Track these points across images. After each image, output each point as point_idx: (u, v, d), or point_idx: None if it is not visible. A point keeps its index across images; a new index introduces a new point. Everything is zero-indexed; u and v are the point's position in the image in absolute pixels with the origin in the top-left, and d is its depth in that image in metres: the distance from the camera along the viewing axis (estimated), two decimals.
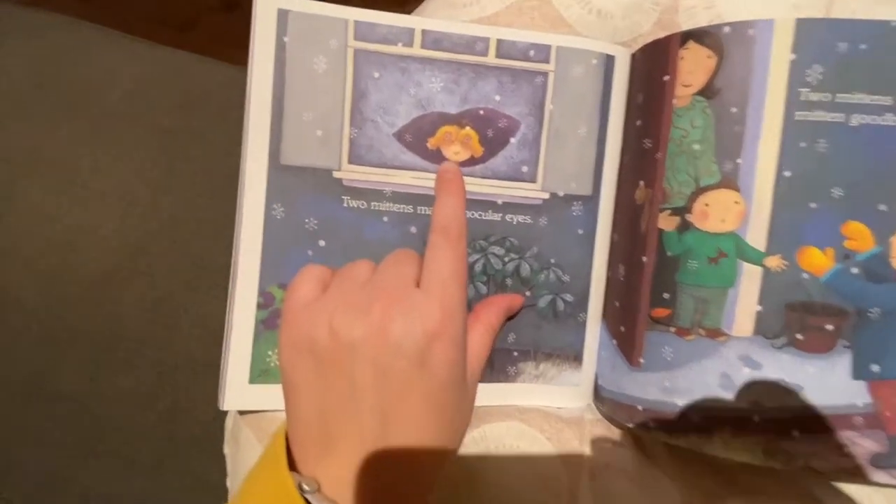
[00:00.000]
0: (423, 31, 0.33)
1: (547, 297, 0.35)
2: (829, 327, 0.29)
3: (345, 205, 0.33)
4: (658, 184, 0.32)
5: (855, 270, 0.29)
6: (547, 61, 0.34)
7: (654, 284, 0.32)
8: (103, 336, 0.40)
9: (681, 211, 0.31)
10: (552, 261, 0.35)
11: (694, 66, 0.31)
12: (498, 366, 0.35)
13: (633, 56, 0.35)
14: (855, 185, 0.29)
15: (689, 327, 0.31)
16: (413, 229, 0.33)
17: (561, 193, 0.34)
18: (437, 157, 0.33)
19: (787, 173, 0.29)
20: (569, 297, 0.35)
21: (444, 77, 0.33)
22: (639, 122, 0.34)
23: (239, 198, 0.32)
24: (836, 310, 0.29)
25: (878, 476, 0.28)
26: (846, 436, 0.29)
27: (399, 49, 0.33)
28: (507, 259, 0.34)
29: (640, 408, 0.32)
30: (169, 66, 0.45)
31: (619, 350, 0.34)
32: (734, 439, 0.29)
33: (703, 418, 0.30)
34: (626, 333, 0.33)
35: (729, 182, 0.30)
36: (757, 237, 0.30)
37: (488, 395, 0.34)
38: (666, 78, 0.32)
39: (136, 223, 0.40)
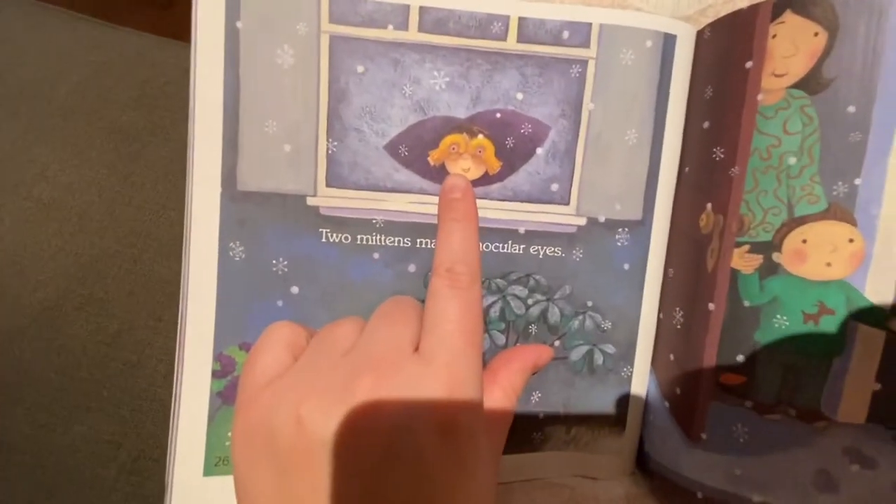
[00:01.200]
0: (422, 9, 0.24)
1: (581, 348, 0.27)
2: None
3: (323, 240, 0.25)
4: (733, 209, 0.24)
5: None
6: (586, 45, 0.25)
7: (723, 341, 0.24)
8: (54, 375, 0.34)
9: (766, 248, 0.23)
10: (589, 303, 0.27)
11: (792, 48, 0.22)
12: (520, 431, 0.28)
13: (700, 34, 0.26)
14: None
15: (774, 404, 0.23)
16: (412, 268, 0.25)
17: (602, 219, 0.26)
18: (440, 174, 0.25)
19: None
20: (610, 349, 0.27)
21: (450, 70, 0.24)
22: (706, 125, 0.25)
23: (185, 234, 0.24)
24: None
25: None
26: None
27: (390, 33, 0.24)
28: (531, 302, 0.27)
29: (699, 495, 0.25)
30: (127, 51, 0.38)
31: (672, 417, 0.26)
32: None
33: None
34: (682, 398, 0.26)
35: (840, 212, 0.22)
36: (880, 289, 0.22)
37: (507, 468, 0.27)
38: (748, 64, 0.23)
39: (90, 240, 0.34)
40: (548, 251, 0.26)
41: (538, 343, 0.27)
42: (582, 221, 0.26)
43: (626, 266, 0.27)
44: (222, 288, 0.24)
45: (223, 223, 0.24)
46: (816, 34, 0.22)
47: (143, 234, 0.34)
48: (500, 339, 0.27)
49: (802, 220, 0.23)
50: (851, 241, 0.22)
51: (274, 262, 0.25)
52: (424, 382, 0.18)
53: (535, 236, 0.26)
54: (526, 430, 0.27)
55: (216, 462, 0.24)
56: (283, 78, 0.24)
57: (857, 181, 0.22)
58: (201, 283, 0.24)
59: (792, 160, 0.23)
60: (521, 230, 0.26)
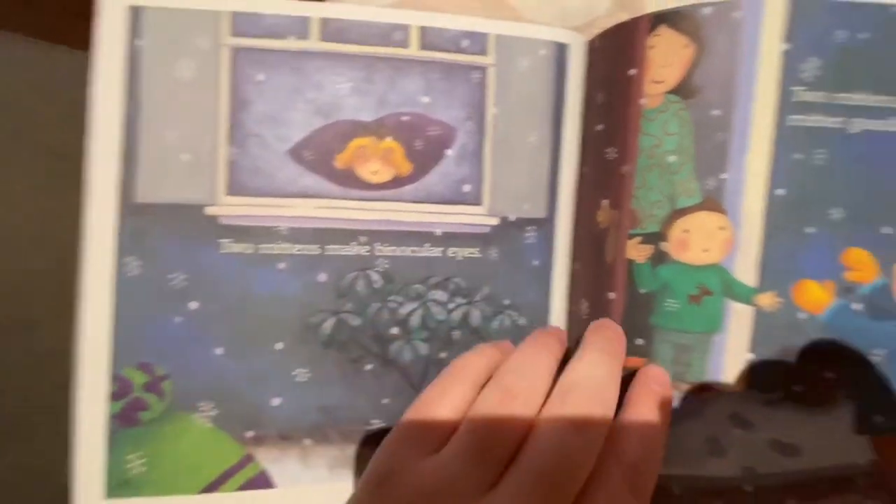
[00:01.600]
0: (323, 20, 0.24)
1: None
2: (830, 375, 0.24)
3: (223, 251, 0.23)
4: (626, 204, 0.25)
5: (857, 306, 0.23)
6: (484, 53, 0.26)
7: (623, 327, 0.25)
8: None
9: (654, 238, 0.25)
10: (506, 302, 0.26)
11: (667, 58, 0.24)
12: None
13: (591, 44, 0.27)
14: (856, 204, 0.23)
15: (670, 381, 0.24)
16: (322, 277, 0.24)
17: (512, 218, 0.26)
18: (348, 178, 0.24)
19: (779, 192, 0.23)
20: None
21: (354, 75, 0.24)
22: (599, 127, 0.26)
23: (80, 251, 0.22)
24: (837, 354, 0.23)
25: None
26: (849, 499, 0.23)
27: (291, 43, 0.24)
28: (451, 306, 0.26)
29: None
30: (58, 69, 0.36)
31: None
32: None
33: (687, 490, 0.24)
34: None
35: (712, 203, 0.24)
36: (746, 270, 0.24)
37: None
38: (632, 72, 0.25)
39: (21, 263, 0.31)
40: (465, 253, 0.26)
41: (463, 349, 0.26)
42: (495, 221, 0.26)
43: (536, 263, 0.27)
44: (119, 305, 0.22)
45: (119, 237, 0.22)
46: (686, 46, 0.24)
47: (74, 254, 0.31)
48: (423, 348, 0.26)
49: (683, 212, 0.24)
50: (722, 228, 0.24)
51: (171, 276, 0.23)
52: None
53: (451, 238, 0.26)
54: None
55: (117, 486, 0.22)
56: (183, 90, 0.23)
57: (724, 176, 0.24)
58: (96, 301, 0.22)
59: (672, 158, 0.25)
60: (438, 232, 0.25)
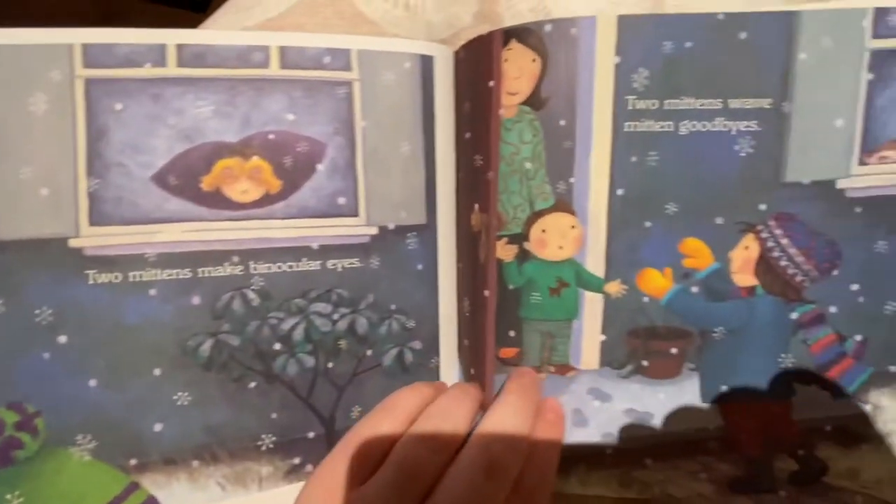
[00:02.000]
0: (179, 46, 0.24)
1: (392, 351, 0.27)
2: (674, 351, 0.27)
3: (90, 282, 0.23)
4: (492, 208, 0.27)
5: (695, 290, 0.26)
6: (348, 69, 0.26)
7: (498, 321, 0.27)
8: None
9: (518, 239, 0.27)
10: (392, 307, 0.27)
11: (519, 71, 0.26)
12: None
13: (457, 55, 0.28)
14: (689, 199, 0.26)
15: (539, 366, 0.27)
16: (196, 300, 0.24)
17: (391, 226, 0.27)
18: (217, 200, 0.24)
19: (620, 192, 0.26)
20: (417, 345, 0.28)
21: (215, 98, 0.24)
22: (468, 136, 0.28)
23: None
24: (679, 332, 0.26)
25: (740, 501, 0.26)
26: (701, 460, 0.26)
27: (146, 71, 0.24)
28: (336, 317, 0.26)
29: None
30: None
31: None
32: (589, 475, 0.26)
33: (560, 458, 0.26)
34: (475, 376, 0.27)
35: (564, 205, 0.26)
36: (596, 262, 0.26)
37: None
38: (491, 83, 0.26)
39: None
40: (346, 264, 0.26)
41: (352, 358, 0.27)
42: (374, 231, 0.27)
43: (420, 267, 0.28)
44: None
45: None
46: (534, 60, 0.26)
47: None
48: (309, 361, 0.26)
49: (540, 214, 0.27)
50: (573, 227, 0.26)
51: (37, 311, 0.22)
52: None
53: (330, 251, 0.26)
54: None
55: None
56: (37, 124, 0.23)
57: (572, 180, 0.26)
58: None
59: (528, 165, 0.26)
60: (315, 246, 0.26)
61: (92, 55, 0.23)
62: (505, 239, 0.26)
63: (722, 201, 0.26)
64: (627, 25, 0.25)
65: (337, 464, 0.21)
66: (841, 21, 0.24)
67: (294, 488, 0.26)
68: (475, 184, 0.27)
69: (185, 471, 0.24)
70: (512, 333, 0.27)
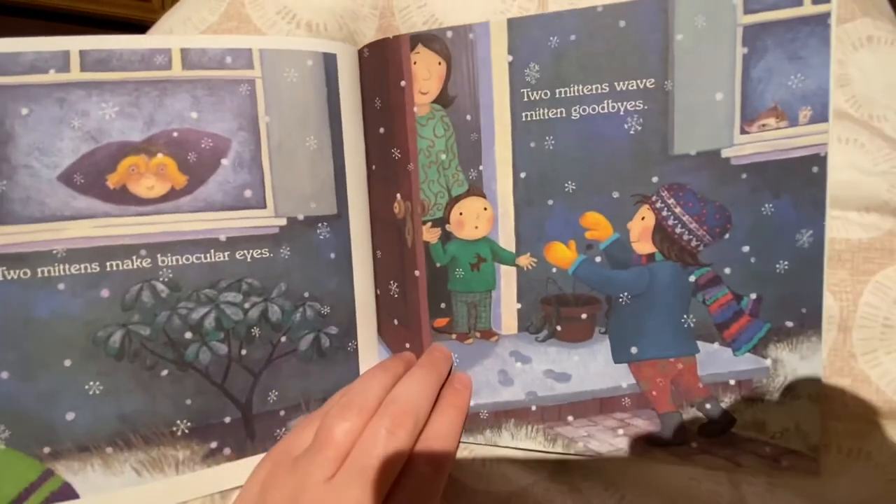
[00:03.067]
0: (82, 52, 0.25)
1: (308, 336, 0.28)
2: (584, 316, 0.28)
3: (0, 279, 0.25)
4: (415, 196, 0.29)
5: (598, 259, 0.28)
6: (250, 67, 0.27)
7: (430, 296, 0.29)
8: None
9: (441, 222, 0.29)
10: (306, 294, 0.28)
11: (428, 73, 0.28)
12: (261, 434, 0.27)
13: (361, 53, 0.29)
14: (586, 176, 0.28)
15: (467, 332, 0.29)
16: (105, 293, 0.25)
17: (300, 217, 0.28)
18: (123, 196, 0.25)
19: (522, 175, 0.28)
20: (333, 330, 0.28)
21: (119, 100, 0.25)
22: (382, 130, 0.29)
23: None
24: (587, 299, 0.28)
25: (657, 455, 0.27)
26: (617, 417, 0.28)
27: (51, 77, 0.25)
28: (247, 305, 0.27)
29: None
30: None
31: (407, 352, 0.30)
32: (518, 430, 0.29)
33: (491, 414, 0.29)
34: (411, 350, 0.29)
35: (476, 189, 0.29)
36: (507, 239, 0.29)
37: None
38: (403, 84, 0.28)
39: None
40: (255, 254, 0.27)
41: (266, 344, 0.27)
42: (282, 222, 0.28)
43: (333, 255, 0.28)
44: None
45: None
46: (440, 63, 0.28)
47: None
48: (222, 348, 0.27)
49: (457, 199, 0.29)
50: (486, 209, 0.28)
51: None
52: None
53: (238, 242, 0.27)
54: (268, 430, 0.27)
55: None
56: None
57: (481, 167, 0.28)
58: None
59: (443, 156, 0.28)
60: (223, 237, 0.27)
61: None
62: (429, 223, 0.29)
63: (616, 176, 0.27)
64: (516, 26, 0.27)
65: (288, 440, 0.23)
66: (712, 1, 0.25)
67: (214, 471, 0.26)
68: (394, 175, 0.29)
69: (100, 457, 0.25)
70: (443, 305, 0.29)
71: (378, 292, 0.30)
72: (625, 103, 0.26)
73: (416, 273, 0.29)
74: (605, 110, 0.26)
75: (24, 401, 0.24)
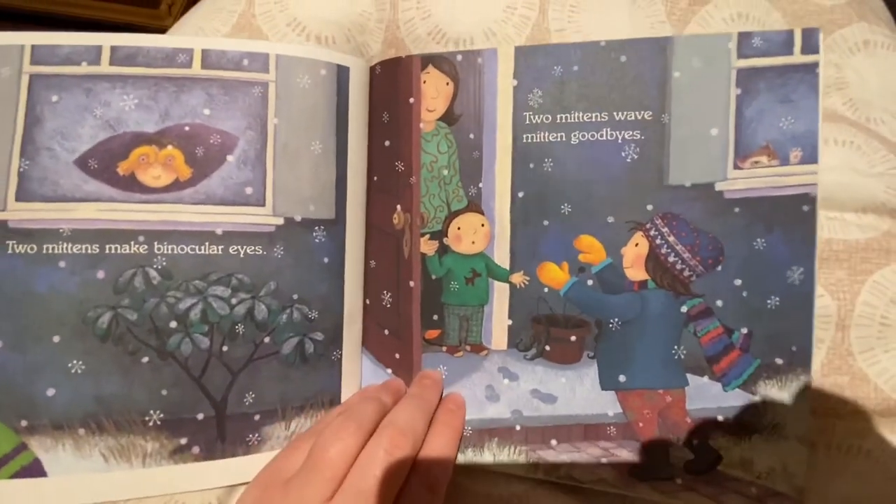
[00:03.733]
0: (113, 48, 0.32)
1: (292, 339, 0.32)
2: (573, 339, 0.33)
3: (9, 251, 0.29)
4: (416, 209, 0.35)
5: (591, 282, 0.33)
6: (266, 71, 0.34)
7: (423, 308, 0.34)
8: None
9: (439, 235, 0.35)
10: (294, 297, 0.33)
11: (436, 92, 0.35)
12: (232, 436, 0.31)
13: (373, 70, 0.36)
14: (582, 200, 0.33)
15: (457, 345, 0.34)
16: (101, 274, 0.30)
17: (298, 218, 0.33)
18: (130, 183, 0.31)
19: (520, 194, 0.34)
20: (318, 336, 0.33)
21: (139, 93, 0.32)
22: (388, 143, 0.35)
23: None
24: (577, 321, 0.33)
25: (640, 490, 0.31)
26: (602, 445, 0.32)
27: (83, 69, 0.32)
28: (235, 301, 0.32)
29: None
30: None
31: (395, 377, 0.35)
32: (500, 450, 0.32)
33: (475, 431, 0.33)
34: (401, 360, 0.34)
35: (475, 206, 0.35)
36: (502, 256, 0.34)
37: (222, 473, 0.31)
38: (411, 100, 0.35)
39: None
40: (248, 250, 0.32)
41: (249, 343, 0.32)
42: (279, 221, 0.33)
43: (326, 260, 0.34)
44: None
45: None
46: (448, 83, 0.35)
47: None
48: (204, 342, 0.31)
49: (456, 214, 0.35)
50: (483, 225, 0.34)
51: None
52: None
53: (233, 237, 0.32)
54: (240, 433, 0.31)
55: None
56: None
57: (481, 184, 0.34)
58: None
59: (445, 172, 0.34)
60: (219, 231, 0.32)
61: (39, 54, 0.31)
62: (427, 236, 0.34)
63: (612, 202, 0.32)
64: (523, 54, 0.33)
65: (279, 461, 0.27)
66: (708, 45, 0.32)
67: (179, 469, 0.30)
68: (396, 187, 0.35)
69: (72, 437, 0.29)
70: (435, 317, 0.34)
71: (368, 302, 0.35)
72: (623, 132, 0.32)
73: (412, 284, 0.34)
74: (604, 138, 0.32)
75: (11, 372, 0.29)
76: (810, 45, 0.30)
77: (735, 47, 0.31)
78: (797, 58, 0.30)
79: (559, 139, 0.33)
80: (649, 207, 0.32)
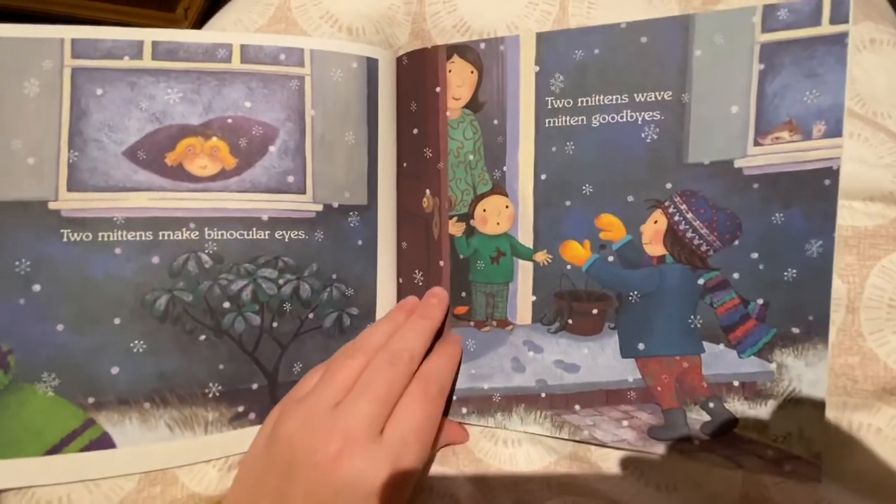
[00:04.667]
0: (154, 43, 0.26)
1: (332, 315, 0.28)
2: (595, 312, 0.28)
3: (65, 240, 0.25)
4: (444, 193, 0.29)
5: (611, 259, 0.28)
6: (301, 65, 0.28)
7: (452, 286, 0.29)
8: None
9: (465, 217, 0.29)
10: (334, 276, 0.28)
11: (461, 80, 0.29)
12: None
13: (400, 60, 0.30)
14: (603, 180, 0.28)
15: (485, 320, 0.29)
16: (156, 259, 0.26)
17: (335, 204, 0.28)
18: (179, 173, 0.26)
19: (543, 176, 0.28)
20: (354, 311, 0.28)
21: (183, 87, 0.26)
22: (416, 131, 0.30)
23: None
24: (598, 295, 0.28)
25: (657, 447, 0.27)
26: (623, 409, 0.27)
27: (125, 63, 0.26)
28: (281, 282, 0.27)
29: (455, 397, 0.29)
30: None
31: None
32: (527, 415, 0.28)
33: (503, 398, 0.29)
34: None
35: (499, 188, 0.29)
36: (526, 236, 0.29)
37: None
38: (438, 89, 0.29)
39: None
40: (292, 235, 0.28)
41: (295, 319, 0.28)
42: (319, 207, 0.28)
43: (360, 242, 0.29)
44: None
45: None
46: (472, 72, 0.29)
47: None
48: (256, 319, 0.27)
49: (482, 197, 0.29)
50: (507, 207, 0.29)
51: (17, 263, 0.24)
52: (376, 462, 0.21)
53: (278, 223, 0.27)
54: None
55: None
56: (29, 104, 0.25)
57: (505, 168, 0.29)
58: None
59: (471, 157, 0.29)
60: (265, 217, 0.27)
61: (79, 48, 0.26)
62: (455, 218, 0.29)
63: (632, 181, 0.27)
64: (544, 40, 0.27)
65: (295, 388, 0.25)
66: (731, 20, 0.25)
67: (238, 433, 0.27)
68: (425, 173, 0.30)
69: (138, 411, 0.25)
70: (463, 294, 0.29)
71: (401, 280, 0.30)
72: (643, 113, 0.26)
73: (441, 263, 0.29)
74: (624, 119, 0.26)
75: (75, 353, 0.25)
76: (840, 14, 0.24)
77: (759, 21, 0.25)
78: (825, 28, 0.24)
79: (580, 123, 0.27)
80: (668, 186, 0.26)
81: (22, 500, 0.25)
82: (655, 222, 0.26)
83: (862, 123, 0.26)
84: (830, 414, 0.24)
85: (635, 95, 0.26)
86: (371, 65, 0.29)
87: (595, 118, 0.27)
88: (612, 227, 0.27)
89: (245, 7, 0.30)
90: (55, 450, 0.24)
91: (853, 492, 0.24)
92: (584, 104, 0.27)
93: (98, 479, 0.25)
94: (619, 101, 0.26)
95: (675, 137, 0.26)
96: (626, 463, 0.27)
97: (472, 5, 0.30)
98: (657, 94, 0.26)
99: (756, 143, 0.25)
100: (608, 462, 0.27)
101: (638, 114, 0.26)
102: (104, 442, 0.25)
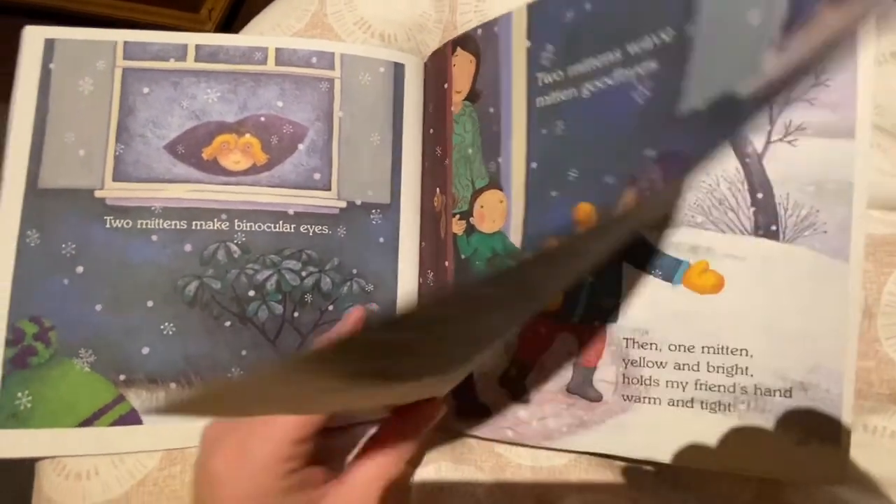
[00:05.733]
0: (197, 46, 0.29)
1: (350, 308, 0.29)
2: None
3: (107, 226, 0.27)
4: (449, 190, 0.29)
5: None
6: (331, 68, 0.30)
7: (455, 285, 0.29)
8: None
9: (466, 215, 0.29)
10: (354, 271, 0.29)
11: (461, 72, 0.29)
12: None
13: (426, 65, 0.32)
14: (586, 162, 0.25)
15: None
16: (188, 247, 0.27)
17: (359, 202, 0.30)
18: (214, 167, 0.28)
19: (534, 165, 0.27)
20: (374, 307, 0.30)
21: (221, 87, 0.29)
22: (431, 131, 0.31)
23: None
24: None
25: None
26: None
27: (170, 64, 0.28)
28: (304, 274, 0.29)
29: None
30: None
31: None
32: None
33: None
34: None
35: (495, 182, 0.28)
36: (516, 234, 0.28)
37: None
38: (445, 86, 0.30)
39: None
40: (316, 229, 0.29)
41: (316, 310, 0.29)
42: (343, 204, 0.30)
43: (382, 240, 0.30)
44: (19, 269, 0.26)
45: (24, 215, 0.26)
46: (471, 61, 0.29)
47: None
48: (278, 308, 0.29)
49: (480, 192, 0.29)
50: (501, 202, 0.28)
51: (63, 246, 0.27)
52: None
53: (303, 217, 0.29)
54: None
55: (6, 418, 0.25)
56: (83, 101, 0.28)
57: (500, 159, 0.28)
58: (1, 266, 0.26)
59: (470, 151, 0.29)
60: (291, 211, 0.29)
61: (130, 50, 0.28)
62: (457, 216, 0.29)
63: (615, 157, 0.25)
64: (535, 9, 0.26)
65: None
66: None
67: None
68: (436, 171, 0.30)
69: (164, 390, 0.27)
70: None
71: (420, 280, 0.31)
72: (635, 68, 0.24)
73: (446, 263, 0.29)
74: (615, 82, 0.24)
75: (111, 332, 0.27)
76: None
77: None
78: None
79: (571, 96, 0.26)
80: (652, 153, 0.23)
81: (55, 469, 0.27)
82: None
83: (881, 134, 0.27)
84: (846, 417, 0.24)
85: (629, 48, 0.24)
86: (398, 69, 0.31)
87: (585, 87, 0.25)
88: (587, 219, 0.26)
89: (283, 12, 0.32)
90: (87, 422, 0.26)
91: (869, 494, 0.24)
92: (575, 73, 0.25)
93: (124, 452, 0.27)
94: (612, 60, 0.24)
95: (671, 86, 0.23)
96: (644, 461, 0.27)
97: (503, 12, 0.31)
98: (654, 35, 0.23)
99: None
100: (627, 460, 0.27)
101: (630, 70, 0.24)
102: (132, 418, 0.27)
